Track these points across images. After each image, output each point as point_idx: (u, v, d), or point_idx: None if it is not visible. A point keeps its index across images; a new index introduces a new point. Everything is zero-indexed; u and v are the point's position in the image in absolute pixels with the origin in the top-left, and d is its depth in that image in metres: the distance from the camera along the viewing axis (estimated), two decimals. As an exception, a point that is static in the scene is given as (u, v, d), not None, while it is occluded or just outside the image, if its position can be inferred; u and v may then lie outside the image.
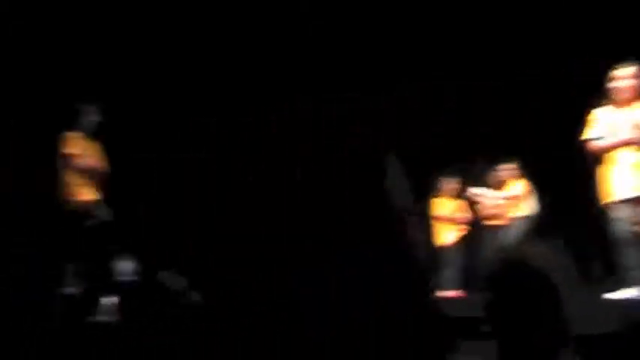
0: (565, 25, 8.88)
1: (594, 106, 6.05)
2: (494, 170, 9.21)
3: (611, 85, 5.90)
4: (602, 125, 5.93)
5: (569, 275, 1.86)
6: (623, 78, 5.83)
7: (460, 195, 9.39)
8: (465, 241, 9.31)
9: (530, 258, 1.84)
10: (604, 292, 5.77)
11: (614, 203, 5.86)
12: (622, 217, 5.78)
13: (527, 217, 8.89)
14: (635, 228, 5.81)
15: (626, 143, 5.83)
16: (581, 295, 6.50)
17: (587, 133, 5.97)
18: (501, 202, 9.06)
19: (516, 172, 9.09)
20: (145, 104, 8.91)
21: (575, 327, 1.90)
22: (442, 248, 9.22)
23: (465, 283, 8.95)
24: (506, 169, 9.12)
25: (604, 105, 5.97)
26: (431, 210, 9.32)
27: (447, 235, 9.29)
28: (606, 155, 5.91)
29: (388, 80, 8.80)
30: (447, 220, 9.30)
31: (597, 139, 5.91)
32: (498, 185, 9.21)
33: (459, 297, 8.54)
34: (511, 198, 8.97)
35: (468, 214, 9.33)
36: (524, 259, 1.83)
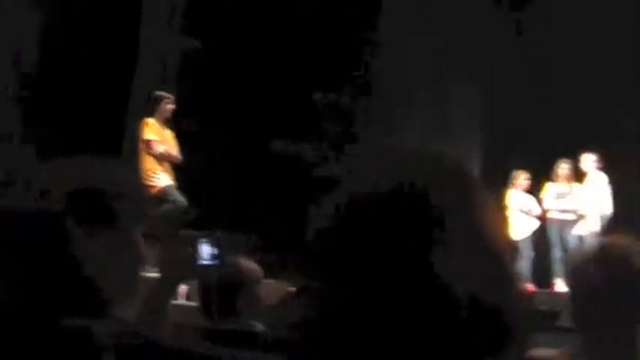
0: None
1: None
2: (565, 164, 9.05)
3: None
4: None
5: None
6: None
7: (531, 188, 9.26)
8: (536, 235, 9.18)
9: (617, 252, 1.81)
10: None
11: None
12: None
13: (599, 212, 8.73)
14: None
15: None
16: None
17: None
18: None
19: (596, 164, 8.89)
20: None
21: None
22: (516, 241, 9.10)
23: (536, 277, 8.84)
24: (585, 162, 8.94)
25: None
26: (504, 201, 9.22)
27: (522, 227, 9.16)
28: None
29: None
30: (521, 212, 9.17)
31: None
32: (571, 179, 9.06)
33: (533, 291, 8.44)
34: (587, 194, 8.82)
35: (538, 208, 9.19)
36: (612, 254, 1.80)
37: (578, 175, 9.01)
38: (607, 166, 8.88)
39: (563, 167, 9.05)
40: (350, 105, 9.27)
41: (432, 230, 0.88)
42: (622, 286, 1.76)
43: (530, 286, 8.64)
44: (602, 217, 8.75)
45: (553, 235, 9.09)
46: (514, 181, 9.24)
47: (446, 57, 8.49)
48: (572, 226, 9.02)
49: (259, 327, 2.91)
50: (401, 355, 0.87)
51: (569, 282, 1.88)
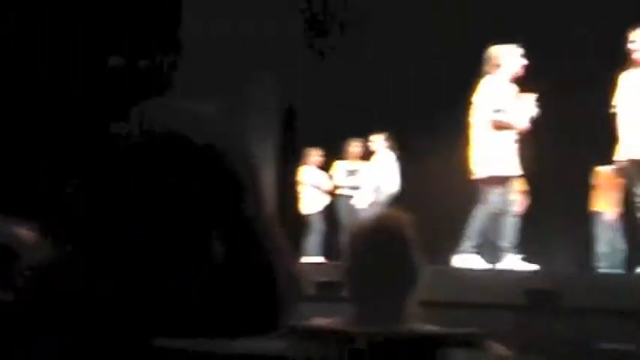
0: None
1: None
2: (356, 142, 9.44)
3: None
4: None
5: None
6: None
7: (324, 165, 9.56)
8: (327, 209, 9.49)
9: (383, 228, 1.92)
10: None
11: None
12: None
13: (385, 188, 9.16)
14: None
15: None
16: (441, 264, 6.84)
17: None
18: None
19: (385, 143, 9.32)
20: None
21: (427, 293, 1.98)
22: (307, 215, 9.36)
23: (326, 250, 9.13)
24: (374, 141, 9.36)
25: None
26: (298, 177, 9.46)
27: (312, 202, 9.44)
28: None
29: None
30: (313, 187, 9.45)
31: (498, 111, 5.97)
32: (361, 157, 9.45)
33: (321, 263, 8.71)
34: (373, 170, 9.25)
35: (328, 184, 9.52)
36: (379, 228, 1.90)
37: (368, 154, 9.40)
38: (395, 146, 9.34)
39: (353, 146, 9.45)
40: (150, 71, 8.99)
41: (200, 185, 0.90)
42: (389, 256, 1.88)
43: (320, 259, 8.95)
44: (388, 194, 9.19)
45: (342, 210, 9.45)
46: (307, 159, 9.50)
47: (246, 42, 8.51)
48: (360, 202, 9.42)
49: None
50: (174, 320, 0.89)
51: (343, 252, 1.97)
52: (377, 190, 9.14)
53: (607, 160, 8.93)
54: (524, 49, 6.18)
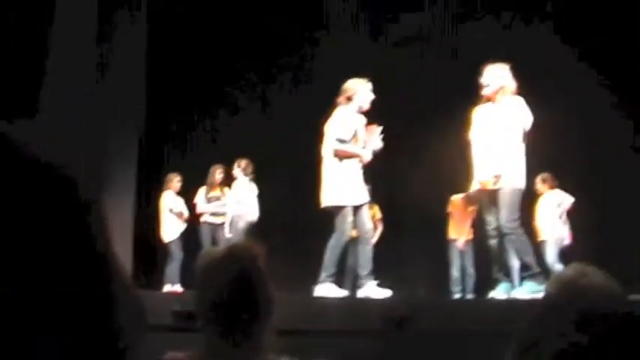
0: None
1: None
2: (219, 169, 9.40)
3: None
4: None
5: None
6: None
7: (182, 190, 9.42)
8: (187, 236, 9.34)
9: (246, 256, 1.91)
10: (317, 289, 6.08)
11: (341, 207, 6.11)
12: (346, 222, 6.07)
13: (246, 216, 9.17)
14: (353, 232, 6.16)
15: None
16: (299, 292, 6.85)
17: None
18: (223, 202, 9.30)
19: (245, 171, 9.32)
20: None
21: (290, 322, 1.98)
22: (167, 242, 9.18)
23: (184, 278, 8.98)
24: (235, 169, 9.34)
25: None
26: (160, 203, 9.27)
27: (171, 229, 9.27)
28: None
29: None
30: (173, 214, 9.29)
31: (342, 140, 6.11)
32: (219, 184, 9.41)
33: (178, 293, 8.56)
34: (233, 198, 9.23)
35: (186, 211, 9.41)
36: (238, 257, 1.89)
37: (230, 181, 9.35)
38: (257, 173, 9.37)
39: (216, 172, 9.38)
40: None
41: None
42: (242, 287, 1.87)
43: (177, 287, 8.79)
44: (248, 221, 9.18)
45: (204, 237, 9.34)
46: (168, 184, 9.33)
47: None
48: (222, 229, 9.36)
49: None
50: None
51: (197, 283, 1.95)
52: (237, 217, 9.12)
53: (461, 188, 9.38)
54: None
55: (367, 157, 6.20)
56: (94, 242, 0.93)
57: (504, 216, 5.93)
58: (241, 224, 8.97)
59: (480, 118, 6.12)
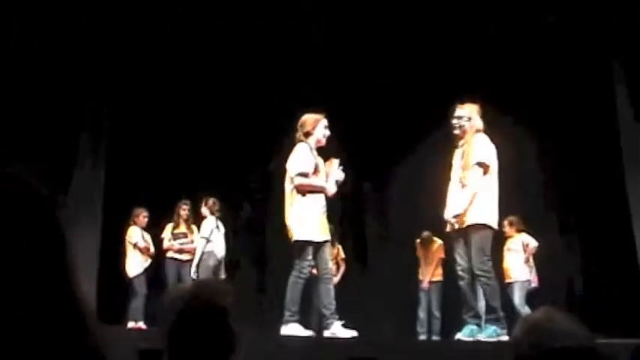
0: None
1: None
2: (183, 206, 9.35)
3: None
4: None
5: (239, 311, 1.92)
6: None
7: (149, 225, 9.33)
8: (150, 273, 9.21)
9: (210, 294, 1.88)
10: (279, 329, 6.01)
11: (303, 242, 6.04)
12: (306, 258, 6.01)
13: (213, 254, 9.10)
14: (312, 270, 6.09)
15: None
16: (266, 331, 6.78)
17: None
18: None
19: (213, 207, 9.29)
20: None
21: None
22: (131, 278, 9.05)
23: (148, 315, 8.85)
24: (203, 205, 9.31)
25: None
26: (126, 238, 9.16)
27: (136, 264, 9.15)
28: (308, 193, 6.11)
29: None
30: (138, 249, 9.17)
31: (303, 175, 6.07)
32: (185, 221, 9.35)
33: (138, 329, 8.42)
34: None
35: (152, 246, 9.29)
36: (203, 296, 1.86)
37: (198, 218, 9.29)
38: (225, 212, 9.34)
39: (183, 209, 9.32)
40: None
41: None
42: (207, 325, 1.85)
43: (140, 324, 8.65)
44: (217, 259, 9.11)
45: (169, 273, 9.23)
46: (134, 219, 9.24)
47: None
48: (189, 266, 9.25)
49: None
50: None
51: (162, 320, 1.91)
52: (207, 255, 9.06)
53: (430, 229, 9.43)
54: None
55: (331, 189, 6.17)
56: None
57: (474, 257, 5.94)
58: (210, 262, 8.91)
59: (454, 157, 6.18)
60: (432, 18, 8.84)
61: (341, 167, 6.25)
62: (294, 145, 6.18)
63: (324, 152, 6.31)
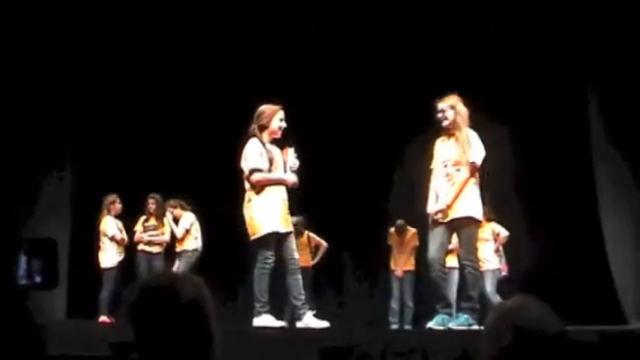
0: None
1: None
2: (152, 199, 9.32)
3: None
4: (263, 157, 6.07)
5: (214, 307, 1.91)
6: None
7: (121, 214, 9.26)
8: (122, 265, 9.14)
9: (180, 288, 1.87)
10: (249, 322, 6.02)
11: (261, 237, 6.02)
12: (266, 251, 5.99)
13: (191, 251, 9.10)
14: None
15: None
16: (240, 323, 6.78)
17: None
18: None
19: (183, 206, 9.30)
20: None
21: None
22: (103, 269, 8.96)
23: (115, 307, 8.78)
24: (174, 204, 9.30)
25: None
26: (100, 229, 9.06)
27: (110, 257, 9.09)
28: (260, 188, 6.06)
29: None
30: (115, 241, 9.10)
31: (257, 170, 6.01)
32: (156, 214, 9.32)
33: (109, 322, 8.37)
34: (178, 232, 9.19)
35: (124, 236, 9.20)
36: (172, 289, 1.85)
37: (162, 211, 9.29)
38: (193, 206, 9.33)
39: (150, 202, 9.28)
40: None
41: None
42: (182, 319, 1.84)
43: (114, 317, 8.59)
44: (191, 252, 9.12)
45: (141, 266, 9.19)
46: (108, 206, 9.10)
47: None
48: (160, 259, 9.24)
49: None
50: None
51: (136, 311, 1.89)
52: (184, 250, 9.08)
53: (404, 219, 9.48)
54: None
55: (290, 179, 6.13)
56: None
57: (463, 249, 6.10)
58: (188, 256, 8.95)
59: (437, 150, 6.21)
60: (409, 17, 8.92)
61: (296, 155, 6.20)
62: (248, 137, 6.13)
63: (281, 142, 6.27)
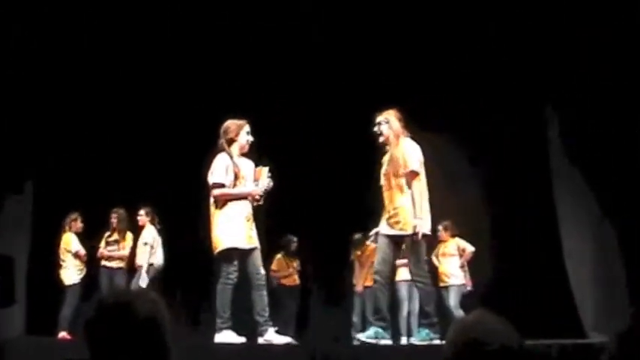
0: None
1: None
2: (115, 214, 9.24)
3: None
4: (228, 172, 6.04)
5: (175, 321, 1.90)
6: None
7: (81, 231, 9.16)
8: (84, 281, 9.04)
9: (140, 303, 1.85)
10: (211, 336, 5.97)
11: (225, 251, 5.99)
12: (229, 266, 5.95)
13: (152, 266, 9.01)
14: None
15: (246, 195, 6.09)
16: (192, 341, 6.72)
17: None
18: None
19: (148, 217, 9.21)
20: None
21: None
22: (65, 286, 8.86)
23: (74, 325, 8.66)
24: (140, 215, 9.22)
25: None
26: (61, 245, 8.95)
27: (73, 273, 8.97)
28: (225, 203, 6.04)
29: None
30: (78, 257, 9.00)
31: (220, 185, 5.99)
32: (119, 229, 9.23)
33: (69, 339, 8.25)
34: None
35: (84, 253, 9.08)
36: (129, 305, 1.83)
37: (134, 226, 9.19)
38: (160, 220, 9.25)
39: (113, 217, 9.20)
40: None
41: None
42: (138, 336, 1.82)
43: (74, 334, 8.47)
44: (155, 269, 9.03)
45: (103, 281, 9.09)
46: (70, 224, 9.03)
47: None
48: (121, 274, 9.14)
49: None
50: None
51: (94, 327, 1.87)
52: (148, 265, 9.00)
53: (365, 234, 9.48)
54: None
55: (256, 192, 6.10)
56: None
57: (412, 263, 6.10)
58: (150, 272, 8.86)
59: (383, 163, 6.24)
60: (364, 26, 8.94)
61: (269, 175, 6.18)
62: (217, 152, 6.12)
63: (258, 160, 6.27)
